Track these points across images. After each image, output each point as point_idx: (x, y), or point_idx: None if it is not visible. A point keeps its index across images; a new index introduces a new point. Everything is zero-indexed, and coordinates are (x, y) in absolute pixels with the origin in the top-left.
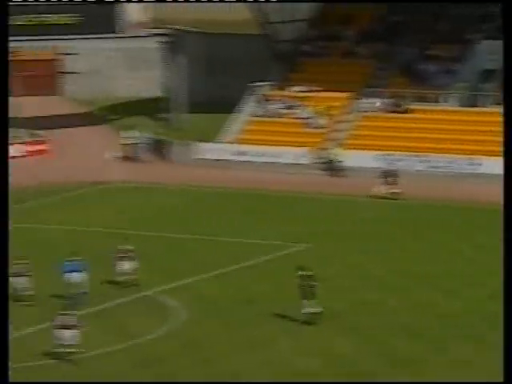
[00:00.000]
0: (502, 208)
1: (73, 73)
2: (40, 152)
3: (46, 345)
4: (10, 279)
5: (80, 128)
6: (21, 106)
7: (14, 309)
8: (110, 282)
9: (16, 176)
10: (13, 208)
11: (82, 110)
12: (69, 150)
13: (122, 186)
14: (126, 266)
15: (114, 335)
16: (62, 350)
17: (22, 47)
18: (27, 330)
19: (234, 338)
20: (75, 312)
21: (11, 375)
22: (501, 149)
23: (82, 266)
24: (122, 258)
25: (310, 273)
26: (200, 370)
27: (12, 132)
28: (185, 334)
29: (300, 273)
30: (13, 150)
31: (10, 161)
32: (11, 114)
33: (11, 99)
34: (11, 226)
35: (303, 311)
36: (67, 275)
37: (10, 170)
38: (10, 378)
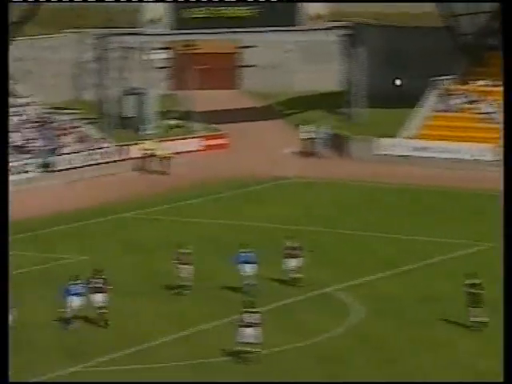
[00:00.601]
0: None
1: (251, 66)
2: (218, 146)
3: (224, 341)
4: (176, 266)
5: (258, 122)
6: (197, 99)
7: (188, 303)
8: (281, 280)
9: (192, 171)
10: (182, 204)
11: (260, 104)
12: (247, 144)
13: (300, 181)
14: (293, 263)
15: (290, 333)
16: (244, 348)
17: (200, 40)
18: (205, 326)
19: (414, 338)
20: (259, 310)
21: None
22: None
23: (254, 258)
24: (289, 255)
25: (477, 281)
26: (379, 370)
27: (189, 126)
28: (364, 333)
29: (468, 281)
30: (189, 145)
31: (188, 155)
32: (188, 107)
33: (188, 92)
34: None
35: (471, 319)
36: (241, 266)
37: (188, 164)
38: (10, 378)
